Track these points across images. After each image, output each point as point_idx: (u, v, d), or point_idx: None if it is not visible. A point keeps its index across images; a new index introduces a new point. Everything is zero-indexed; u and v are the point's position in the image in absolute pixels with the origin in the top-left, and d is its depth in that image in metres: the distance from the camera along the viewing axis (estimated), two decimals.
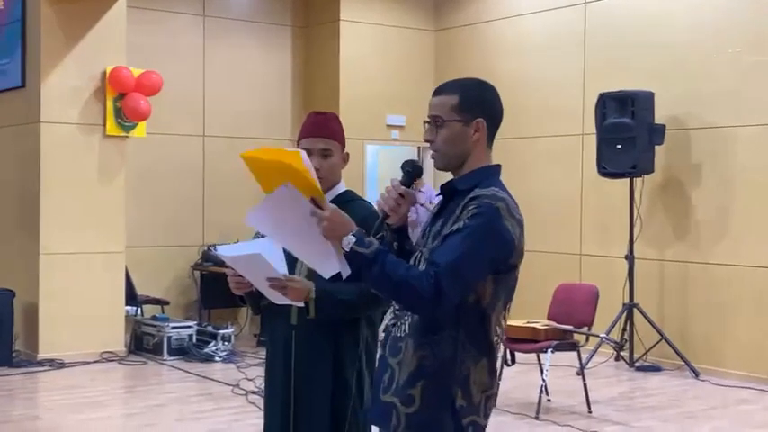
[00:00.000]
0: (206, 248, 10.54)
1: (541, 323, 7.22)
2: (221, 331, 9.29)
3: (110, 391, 7.98)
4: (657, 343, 8.86)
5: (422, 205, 9.57)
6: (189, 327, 9.38)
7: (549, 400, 7.47)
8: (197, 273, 10.66)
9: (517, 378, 7.97)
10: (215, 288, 10.07)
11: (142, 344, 9.38)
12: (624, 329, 8.92)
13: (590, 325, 7.39)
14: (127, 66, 9.21)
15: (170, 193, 10.65)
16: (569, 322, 7.29)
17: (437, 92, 2.81)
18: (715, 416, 7.31)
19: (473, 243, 2.62)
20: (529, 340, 7.12)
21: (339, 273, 2.77)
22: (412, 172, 2.86)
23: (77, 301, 8.97)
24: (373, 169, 11.72)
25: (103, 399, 7.65)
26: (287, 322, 3.45)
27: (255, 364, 8.73)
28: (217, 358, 9.09)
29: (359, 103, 11.17)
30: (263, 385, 3.67)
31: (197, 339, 9.31)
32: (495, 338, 2.75)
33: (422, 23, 11.74)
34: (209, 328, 9.43)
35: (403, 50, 11.62)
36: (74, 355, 8.85)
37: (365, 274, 2.65)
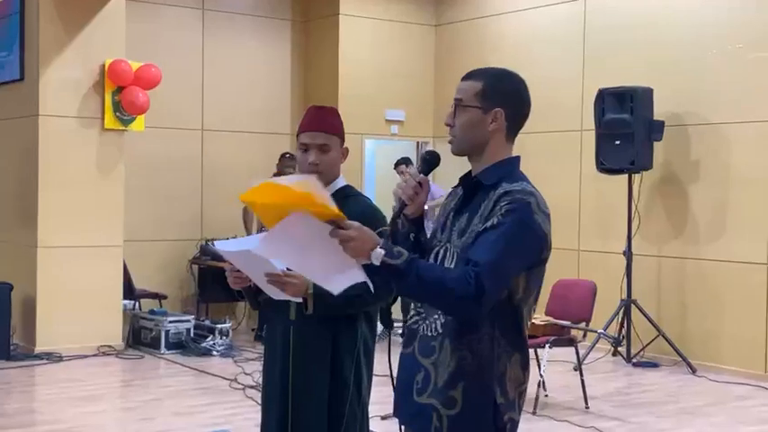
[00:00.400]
0: (204, 243, 10.53)
1: (539, 319, 7.21)
2: (219, 326, 9.29)
3: (107, 385, 7.98)
4: (655, 339, 8.87)
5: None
6: (187, 321, 9.38)
7: (546, 396, 7.47)
8: (195, 267, 10.65)
9: None
10: (213, 282, 10.08)
11: (140, 338, 9.38)
12: (622, 325, 8.92)
13: (588, 321, 7.40)
14: (126, 59, 9.18)
15: (168, 187, 10.63)
16: (567, 318, 7.30)
17: (466, 77, 2.78)
18: (712, 412, 7.31)
19: (511, 240, 2.59)
20: None
21: None
22: (430, 160, 2.81)
23: (75, 294, 8.95)
24: (371, 164, 11.70)
25: (101, 392, 7.65)
26: (285, 318, 3.45)
27: (253, 359, 8.74)
28: (214, 353, 9.08)
29: (358, 98, 11.14)
30: (261, 380, 3.67)
31: (195, 334, 9.31)
32: (526, 332, 2.73)
33: (422, 18, 11.72)
34: (207, 323, 9.44)
35: (403, 45, 11.60)
36: (71, 349, 8.84)
37: (399, 284, 2.59)
